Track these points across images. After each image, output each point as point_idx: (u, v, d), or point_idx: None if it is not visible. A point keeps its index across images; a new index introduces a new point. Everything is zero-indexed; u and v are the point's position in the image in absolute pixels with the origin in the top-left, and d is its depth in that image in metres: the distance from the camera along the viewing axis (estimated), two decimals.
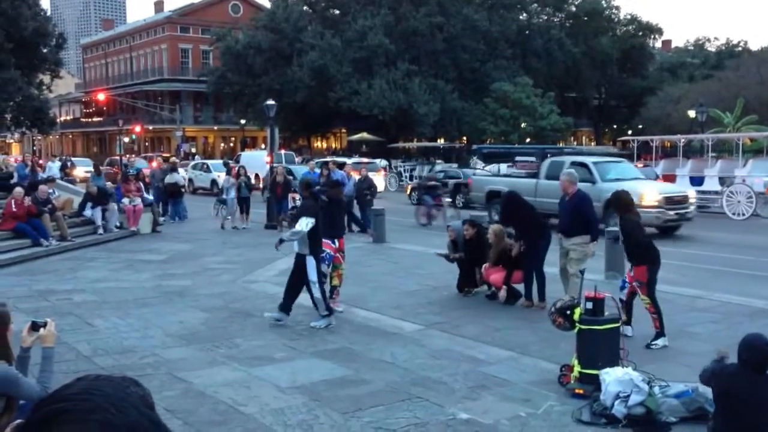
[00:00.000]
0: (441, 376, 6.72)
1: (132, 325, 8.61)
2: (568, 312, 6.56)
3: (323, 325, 8.56)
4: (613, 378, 5.85)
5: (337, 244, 9.49)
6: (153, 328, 8.52)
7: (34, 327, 4.19)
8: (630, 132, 60.27)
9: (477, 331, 8.37)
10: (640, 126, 58.89)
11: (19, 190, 14.51)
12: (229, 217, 18.96)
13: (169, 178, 20.60)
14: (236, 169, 20.75)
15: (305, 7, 57.04)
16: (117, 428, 1.01)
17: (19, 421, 1.17)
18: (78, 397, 1.02)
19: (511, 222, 10.06)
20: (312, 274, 8.64)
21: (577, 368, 6.27)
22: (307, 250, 8.65)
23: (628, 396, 5.70)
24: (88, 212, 16.65)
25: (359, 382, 6.59)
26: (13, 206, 14.11)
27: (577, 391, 6.16)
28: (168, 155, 41.25)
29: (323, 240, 9.09)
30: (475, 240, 10.32)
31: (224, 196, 19.24)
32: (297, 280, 8.78)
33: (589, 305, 6.41)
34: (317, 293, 8.64)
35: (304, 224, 8.49)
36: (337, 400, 6.10)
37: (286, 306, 8.76)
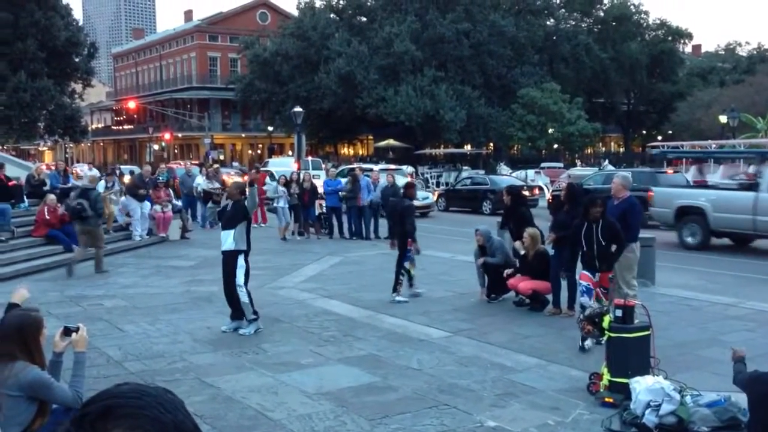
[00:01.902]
0: (468, 384, 6.68)
1: (161, 331, 8.69)
2: (598, 320, 6.49)
3: (252, 331, 8.52)
4: (643, 387, 5.77)
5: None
6: (182, 333, 8.59)
7: (67, 332, 4.25)
8: (660, 138, 59.67)
9: (505, 338, 8.32)
10: (670, 131, 58.24)
11: (52, 197, 14.73)
12: (283, 226, 18.27)
13: (208, 185, 20.78)
14: (289, 176, 19.50)
15: (332, 15, 57.33)
16: (165, 425, 1.08)
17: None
18: (130, 395, 1.10)
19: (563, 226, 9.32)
20: (240, 278, 8.59)
21: (606, 377, 6.19)
22: (243, 246, 8.64)
23: (660, 405, 5.61)
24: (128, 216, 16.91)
25: (386, 388, 6.58)
26: (46, 213, 14.33)
27: (606, 399, 6.09)
28: (197, 162, 41.62)
29: (409, 238, 10.32)
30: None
31: (274, 205, 18.66)
32: (229, 280, 8.68)
33: (619, 313, 6.33)
34: (245, 298, 8.59)
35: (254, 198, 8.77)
36: (364, 406, 6.09)
37: (238, 313, 8.70)
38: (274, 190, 18.79)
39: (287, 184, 18.64)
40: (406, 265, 10.48)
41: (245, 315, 8.61)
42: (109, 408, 1.09)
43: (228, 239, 8.67)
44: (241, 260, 8.62)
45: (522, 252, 9.86)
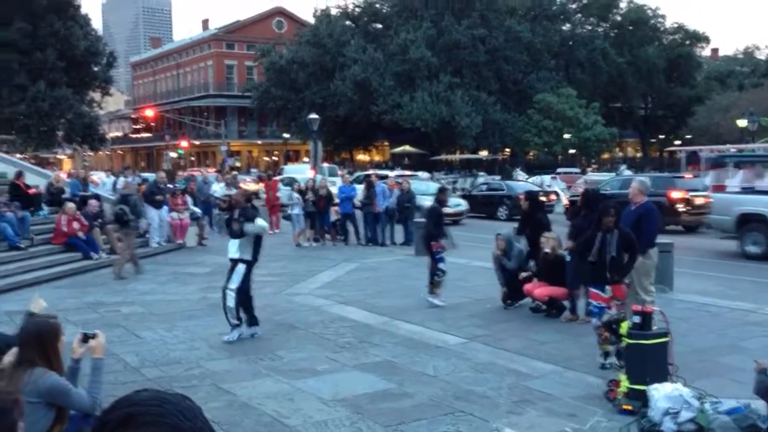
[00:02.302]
0: (485, 390, 6.66)
1: (178, 337, 8.74)
2: (615, 326, 6.44)
3: (235, 338, 8.55)
4: (662, 394, 5.72)
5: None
6: (198, 340, 8.63)
7: (85, 338, 4.29)
8: (677, 142, 59.28)
9: (521, 345, 8.28)
10: (688, 136, 57.82)
11: (71, 205, 14.86)
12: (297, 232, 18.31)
13: (229, 192, 20.86)
14: (307, 182, 19.19)
15: (348, 22, 57.56)
16: None
17: None
18: (150, 402, 1.11)
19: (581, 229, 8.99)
20: (235, 282, 8.60)
21: (624, 383, 6.14)
22: (249, 256, 8.65)
23: (678, 412, 5.56)
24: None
25: (402, 395, 6.57)
26: (63, 222, 14.46)
27: (624, 406, 6.04)
28: (214, 169, 41.85)
29: (433, 242, 10.55)
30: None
31: (289, 212, 18.59)
32: (243, 290, 8.72)
33: (637, 319, 6.28)
34: (231, 302, 8.60)
35: (263, 222, 8.83)
36: (379, 413, 6.08)
37: (251, 318, 8.77)
38: (288, 196, 18.66)
39: (302, 191, 18.61)
40: (442, 266, 10.55)
41: (228, 318, 8.63)
42: (131, 416, 1.12)
43: (232, 248, 8.72)
44: (241, 267, 8.63)
45: (547, 249, 9.76)
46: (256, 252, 8.74)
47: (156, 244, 16.95)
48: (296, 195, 18.43)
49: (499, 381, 6.93)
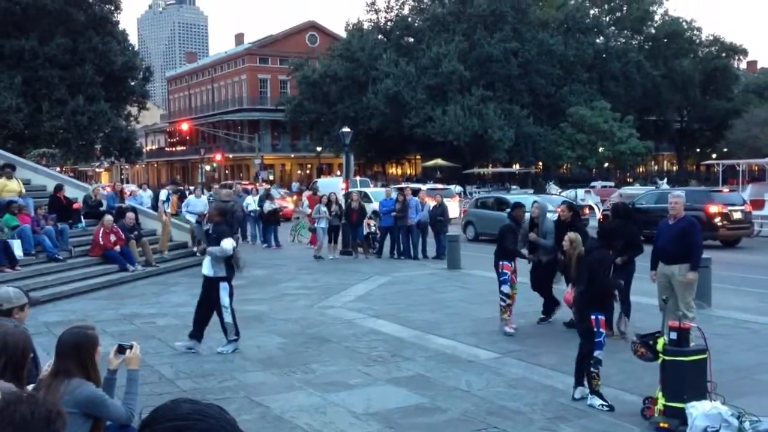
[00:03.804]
0: (518, 406, 6.58)
1: (212, 349, 8.80)
2: (651, 342, 6.33)
3: (231, 350, 8.58)
4: (700, 412, 5.61)
5: (513, 265, 9.70)
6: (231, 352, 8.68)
7: (121, 350, 4.33)
8: (714, 156, 58.36)
9: (555, 360, 8.18)
10: (725, 149, 56.94)
11: (109, 218, 15.09)
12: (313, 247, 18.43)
13: (268, 206, 21.05)
14: (328, 195, 19.45)
15: (380, 36, 57.90)
16: None
17: None
18: (193, 417, 1.12)
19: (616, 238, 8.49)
20: (225, 299, 8.63)
21: (661, 401, 6.03)
22: (223, 273, 8.66)
23: (717, 431, 5.44)
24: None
25: (434, 410, 6.52)
26: (100, 234, 14.69)
27: (661, 425, 5.92)
28: (247, 183, 42.25)
29: (502, 262, 9.55)
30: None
31: (314, 225, 18.65)
32: (207, 305, 8.74)
33: (674, 335, 6.17)
34: (228, 318, 8.64)
35: (230, 244, 8.63)
36: (412, 428, 6.05)
37: (197, 333, 8.76)
38: (317, 210, 18.68)
39: (328, 204, 18.69)
40: (505, 289, 9.64)
41: (227, 334, 8.68)
42: (179, 430, 1.11)
43: (206, 263, 8.74)
44: (223, 285, 8.67)
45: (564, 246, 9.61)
46: (229, 268, 8.76)
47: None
48: (323, 208, 18.46)
49: (533, 397, 6.85)
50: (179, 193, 21.14)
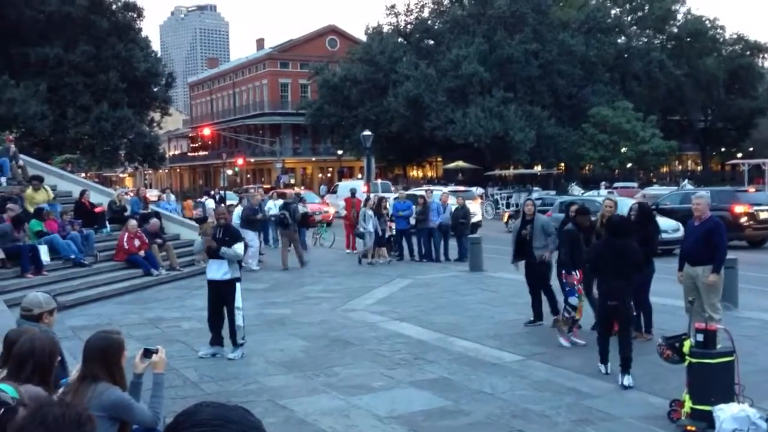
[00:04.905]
0: (543, 409, 6.55)
1: (235, 353, 8.84)
2: (678, 344, 6.26)
3: (240, 356, 8.57)
4: (728, 415, 5.54)
5: (578, 274, 9.00)
6: (255, 355, 8.73)
7: (146, 354, 4.37)
8: (740, 155, 57.63)
9: (579, 363, 8.12)
10: (750, 149, 56.20)
11: (133, 222, 15.22)
12: (362, 252, 18.01)
13: (301, 209, 21.01)
14: (377, 200, 18.81)
15: (400, 39, 57.89)
16: None
17: None
18: (214, 422, 1.12)
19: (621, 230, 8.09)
20: (239, 300, 8.68)
21: (688, 404, 5.96)
22: (238, 274, 8.74)
23: None
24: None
25: (458, 413, 6.51)
26: (125, 239, 14.83)
27: (688, 428, 5.86)
28: (269, 187, 42.46)
29: (565, 271, 8.98)
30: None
31: (362, 230, 17.86)
32: (221, 308, 8.77)
33: (700, 337, 6.10)
34: (240, 321, 8.65)
35: (240, 249, 8.73)
36: (436, 430, 6.03)
37: (218, 338, 8.80)
38: (363, 214, 17.86)
39: (377, 207, 18.04)
40: (572, 301, 9.01)
41: (236, 338, 8.69)
42: None
43: (222, 268, 8.69)
44: (237, 286, 8.73)
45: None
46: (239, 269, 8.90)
47: (256, 267, 16.55)
48: (369, 212, 17.80)
49: (557, 400, 6.81)
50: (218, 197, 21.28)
